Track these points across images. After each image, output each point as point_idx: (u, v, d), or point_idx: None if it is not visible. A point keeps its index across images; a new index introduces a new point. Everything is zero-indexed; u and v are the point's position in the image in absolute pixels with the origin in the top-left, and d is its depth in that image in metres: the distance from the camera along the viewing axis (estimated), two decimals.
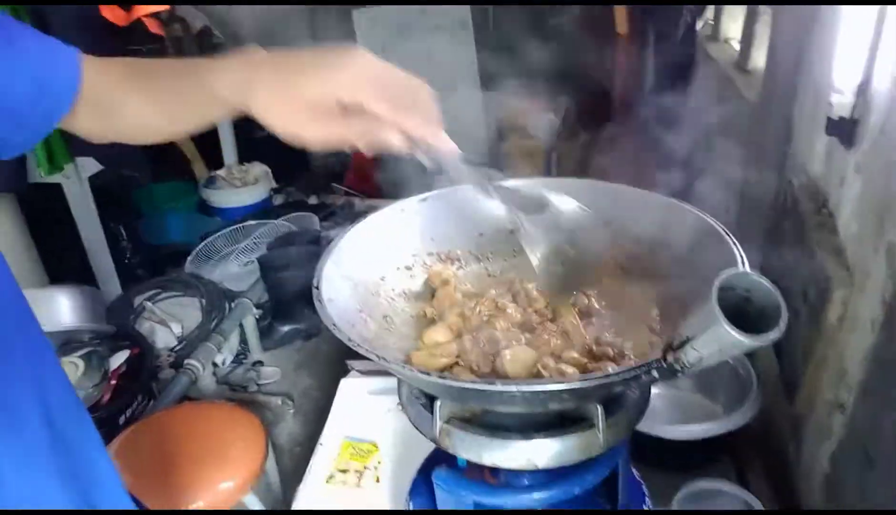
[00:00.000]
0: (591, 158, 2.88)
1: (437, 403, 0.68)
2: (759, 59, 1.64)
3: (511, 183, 0.77)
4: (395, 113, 0.56)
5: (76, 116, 0.65)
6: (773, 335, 0.47)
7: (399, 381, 0.77)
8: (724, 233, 0.68)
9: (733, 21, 1.94)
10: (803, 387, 1.05)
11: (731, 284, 0.50)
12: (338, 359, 2.60)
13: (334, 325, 0.64)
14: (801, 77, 1.17)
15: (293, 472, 2.06)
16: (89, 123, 0.66)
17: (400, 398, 0.77)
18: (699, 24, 2.10)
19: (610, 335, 0.71)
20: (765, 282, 0.50)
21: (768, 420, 1.19)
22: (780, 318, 0.48)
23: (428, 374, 0.57)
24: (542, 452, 0.66)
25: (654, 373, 0.56)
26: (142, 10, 2.12)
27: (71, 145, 2.17)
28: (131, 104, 0.64)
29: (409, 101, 0.57)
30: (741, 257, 0.63)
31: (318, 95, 0.54)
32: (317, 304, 0.67)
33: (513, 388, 0.55)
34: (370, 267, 0.82)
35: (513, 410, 0.65)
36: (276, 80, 0.55)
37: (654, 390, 0.87)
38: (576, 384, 0.55)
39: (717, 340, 0.49)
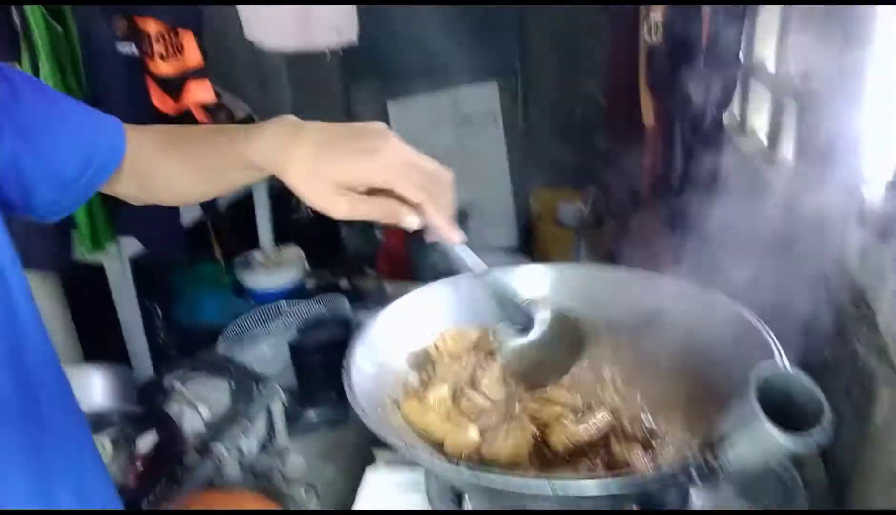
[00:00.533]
0: (619, 247, 2.89)
1: (466, 497, 0.66)
2: (786, 151, 1.65)
3: (508, 281, 0.75)
4: (420, 197, 0.61)
5: (117, 181, 0.71)
6: (817, 435, 0.45)
7: (426, 474, 0.75)
8: (761, 328, 0.67)
9: (759, 113, 1.97)
10: (852, 495, 0.99)
11: (769, 381, 0.49)
12: (364, 449, 2.55)
13: (364, 412, 0.63)
14: (830, 169, 1.17)
15: None
16: (129, 188, 0.72)
17: (428, 493, 0.75)
18: (725, 116, 2.13)
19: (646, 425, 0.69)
20: (804, 378, 0.48)
21: None
22: (823, 418, 0.46)
23: (457, 464, 0.56)
24: None
25: (693, 473, 0.54)
26: (190, 100, 2.24)
27: (114, 225, 2.25)
28: (168, 170, 0.70)
29: (433, 185, 0.62)
30: (779, 352, 0.62)
31: (352, 179, 0.59)
32: (346, 390, 0.67)
33: (546, 487, 0.53)
34: (399, 352, 0.82)
35: (544, 507, 0.63)
36: (312, 159, 0.60)
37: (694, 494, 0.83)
38: (612, 487, 0.53)
39: (757, 438, 0.47)
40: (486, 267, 0.70)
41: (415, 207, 0.61)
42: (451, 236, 0.65)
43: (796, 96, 1.51)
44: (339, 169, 0.59)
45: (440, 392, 0.71)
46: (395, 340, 0.81)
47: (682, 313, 0.77)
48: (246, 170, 0.65)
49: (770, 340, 0.65)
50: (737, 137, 2.01)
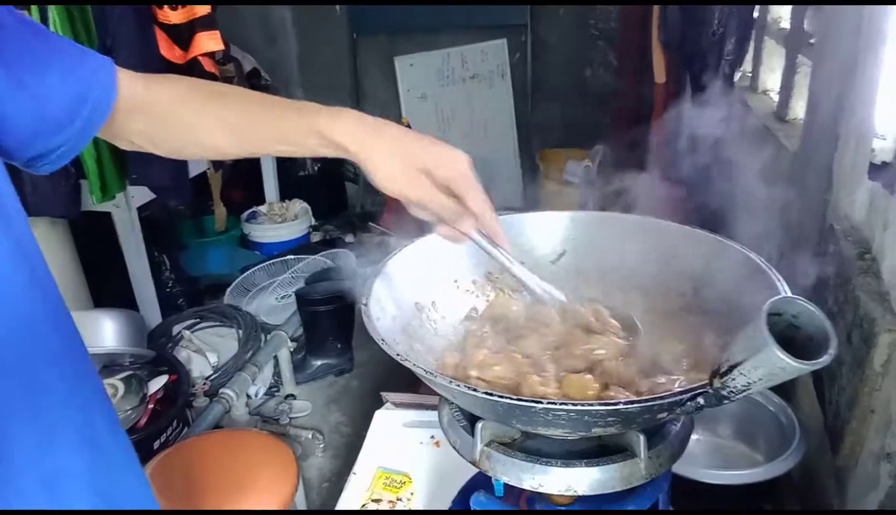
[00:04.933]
0: (628, 205, 2.90)
1: (479, 425, 0.69)
2: (798, 109, 1.65)
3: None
4: (485, 205, 0.69)
5: (123, 125, 0.69)
6: (824, 359, 0.47)
7: (440, 405, 0.78)
8: (767, 268, 0.69)
9: (771, 72, 1.96)
10: (848, 436, 1.03)
11: (778, 309, 0.51)
12: (369, 396, 2.62)
13: (382, 340, 0.65)
14: (842, 125, 1.18)
15: (320, 507, 2.05)
16: (137, 136, 0.71)
17: (441, 423, 0.78)
18: (737, 76, 2.12)
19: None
20: (813, 308, 0.50)
21: (811, 471, 1.16)
22: (830, 343, 0.48)
23: (475, 390, 0.58)
24: (582, 479, 0.67)
25: (700, 400, 0.57)
26: (198, 50, 2.23)
27: (124, 175, 2.27)
28: (195, 122, 0.70)
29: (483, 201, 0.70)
30: (784, 289, 0.64)
31: (435, 162, 0.66)
32: (365, 320, 0.70)
33: (559, 406, 0.56)
34: (414, 290, 0.84)
35: (555, 433, 0.65)
36: (393, 140, 0.67)
37: (693, 436, 0.86)
38: (622, 407, 0.56)
39: (766, 364, 0.49)
40: (539, 281, 0.78)
41: (471, 216, 0.69)
42: (504, 244, 0.74)
43: (810, 55, 1.51)
44: (417, 149, 0.66)
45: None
46: (413, 280, 0.84)
47: (691, 258, 0.79)
48: (311, 143, 0.68)
49: (777, 281, 0.67)
50: (748, 95, 2.01)
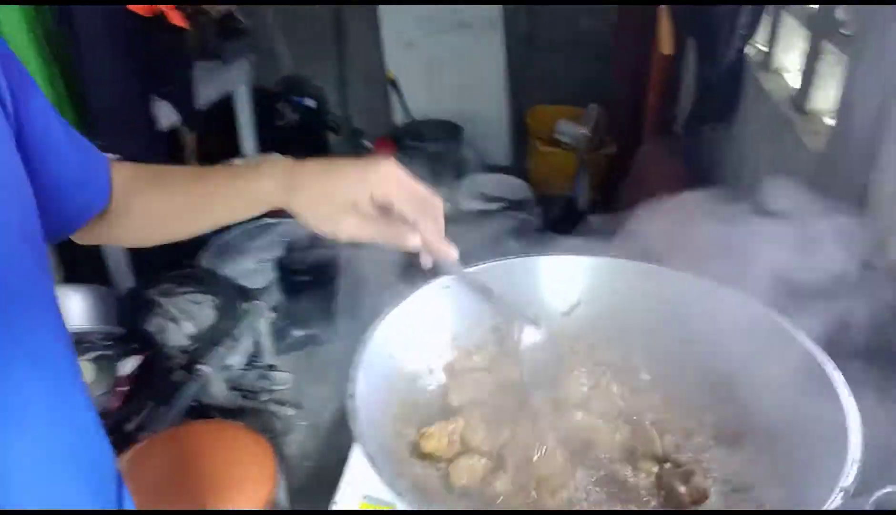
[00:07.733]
0: (620, 174, 2.78)
1: None
2: (820, 101, 1.54)
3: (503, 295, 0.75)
4: (417, 216, 0.64)
5: (99, 225, 0.70)
6: None
7: None
8: (831, 378, 0.59)
9: (789, 51, 1.83)
10: None
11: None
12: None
13: (373, 461, 0.56)
14: (885, 140, 1.08)
15: (300, 490, 2.01)
16: (115, 231, 0.73)
17: None
18: (750, 50, 1.99)
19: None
20: None
21: None
22: None
23: None
24: None
25: None
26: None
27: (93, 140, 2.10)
28: (149, 206, 0.71)
29: (426, 207, 0.65)
30: (854, 416, 0.55)
31: (353, 193, 0.62)
32: (350, 420, 0.61)
33: None
34: (408, 360, 0.75)
35: None
36: (315, 182, 0.64)
37: None
38: None
39: None
40: (485, 285, 0.73)
41: (412, 227, 0.64)
42: (447, 254, 0.68)
43: (842, 45, 1.38)
44: (340, 186, 0.62)
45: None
46: (401, 354, 0.74)
47: (731, 331, 0.70)
48: (252, 205, 0.67)
49: (843, 398, 0.56)
50: (760, 73, 1.87)
